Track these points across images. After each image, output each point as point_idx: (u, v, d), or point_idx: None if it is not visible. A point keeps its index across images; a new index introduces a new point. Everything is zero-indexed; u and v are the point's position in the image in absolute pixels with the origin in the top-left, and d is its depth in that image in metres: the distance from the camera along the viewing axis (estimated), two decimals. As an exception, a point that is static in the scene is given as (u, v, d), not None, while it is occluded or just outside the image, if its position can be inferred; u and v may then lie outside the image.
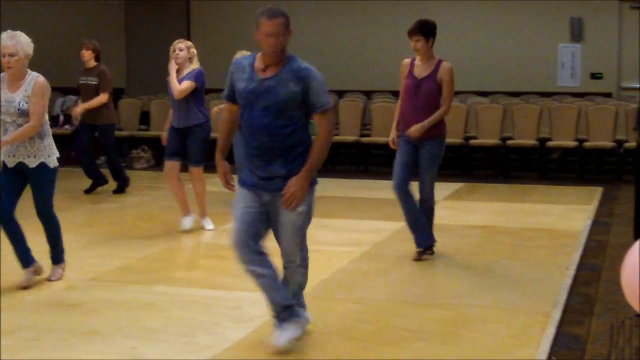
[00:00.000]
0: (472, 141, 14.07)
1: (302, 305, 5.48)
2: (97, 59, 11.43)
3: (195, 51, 9.07)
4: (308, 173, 5.06)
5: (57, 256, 6.94)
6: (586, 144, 13.66)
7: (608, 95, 15.75)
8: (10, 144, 6.45)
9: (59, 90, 14.87)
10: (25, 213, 6.83)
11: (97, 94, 11.25)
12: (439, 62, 7.61)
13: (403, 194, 7.60)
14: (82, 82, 11.38)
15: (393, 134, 7.78)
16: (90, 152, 11.63)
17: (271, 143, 5.03)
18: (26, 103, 6.40)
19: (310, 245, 7.94)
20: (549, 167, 14.21)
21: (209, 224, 9.09)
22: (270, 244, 5.30)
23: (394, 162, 7.65)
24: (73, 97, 14.65)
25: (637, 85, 15.39)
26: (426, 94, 7.54)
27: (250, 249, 5.15)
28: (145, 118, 15.58)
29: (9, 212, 6.53)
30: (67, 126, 14.98)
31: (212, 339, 5.44)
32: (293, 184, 5.04)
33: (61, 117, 15.66)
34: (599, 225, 9.55)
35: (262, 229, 5.24)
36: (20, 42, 6.44)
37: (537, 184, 12.93)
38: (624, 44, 16.01)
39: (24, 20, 19.28)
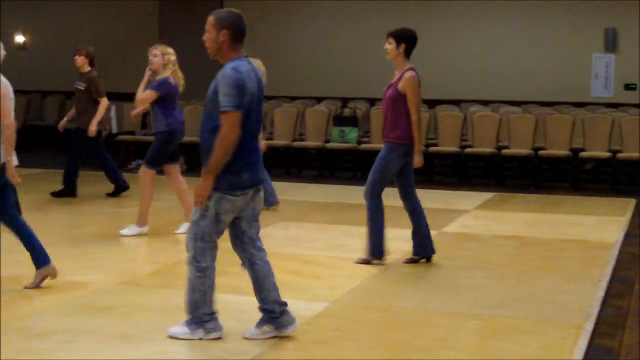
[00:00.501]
0: (504, 151, 14.01)
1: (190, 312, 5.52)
2: (91, 64, 11.53)
3: (171, 58, 8.91)
4: (206, 173, 5.26)
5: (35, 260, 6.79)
6: (619, 155, 13.57)
7: (642, 106, 15.65)
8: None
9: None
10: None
11: (86, 98, 11.39)
12: (405, 71, 7.68)
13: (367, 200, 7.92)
14: (75, 86, 11.60)
15: None
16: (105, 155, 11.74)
17: (201, 142, 5.36)
18: None
19: (341, 253, 8.01)
20: (582, 177, 14.12)
21: (127, 230, 8.95)
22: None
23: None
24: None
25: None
26: (387, 101, 7.74)
27: None
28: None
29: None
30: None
31: (243, 345, 5.44)
32: (198, 184, 5.29)
33: None
34: (632, 237, 9.48)
35: None
36: None
37: (570, 195, 12.84)
38: (658, 55, 15.90)
39: (58, 25, 19.52)
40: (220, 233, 5.47)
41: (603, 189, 13.40)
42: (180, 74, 8.97)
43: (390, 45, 7.67)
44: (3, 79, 6.60)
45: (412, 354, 5.39)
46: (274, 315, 5.55)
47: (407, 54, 7.72)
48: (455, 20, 17.05)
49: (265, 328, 5.56)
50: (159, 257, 8.09)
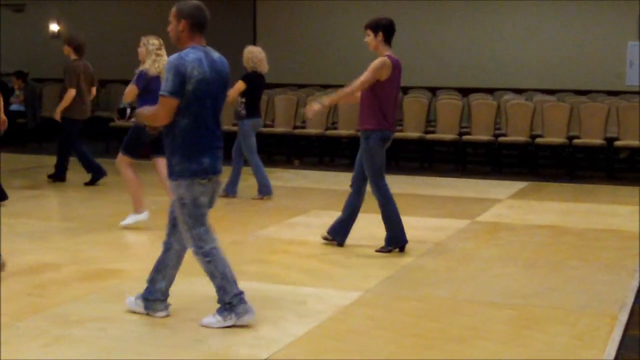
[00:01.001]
0: (538, 139, 13.94)
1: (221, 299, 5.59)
2: (77, 52, 11.55)
3: (149, 47, 8.73)
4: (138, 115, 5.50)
5: None
6: (655, 144, 13.46)
7: (678, 94, 15.50)
8: None
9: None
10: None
11: (64, 88, 11.47)
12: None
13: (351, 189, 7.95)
14: None
15: None
16: (79, 145, 11.81)
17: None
18: None
19: (373, 242, 8.02)
20: (616, 167, 14.02)
21: (126, 220, 8.91)
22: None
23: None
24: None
25: None
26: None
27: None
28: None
29: None
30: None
31: (277, 333, 5.48)
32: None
33: (128, 111, 15.83)
34: (667, 227, 9.41)
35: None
36: None
37: (604, 184, 12.78)
38: (695, 43, 15.75)
39: (90, 14, 19.64)
40: (204, 215, 5.57)
41: (638, 179, 13.30)
42: (162, 64, 8.63)
43: (369, 37, 7.77)
44: None
45: (445, 343, 5.41)
46: (149, 297, 5.73)
47: (387, 41, 7.78)
48: (489, 7, 16.97)
49: (139, 302, 5.77)
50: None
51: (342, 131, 14.89)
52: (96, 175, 11.69)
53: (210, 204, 5.61)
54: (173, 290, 5.82)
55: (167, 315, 5.73)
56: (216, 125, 5.55)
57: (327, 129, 15.06)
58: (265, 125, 15.28)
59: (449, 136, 14.37)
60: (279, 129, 15.16)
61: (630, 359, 5.21)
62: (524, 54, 16.87)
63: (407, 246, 7.96)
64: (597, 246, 8.42)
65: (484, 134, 14.26)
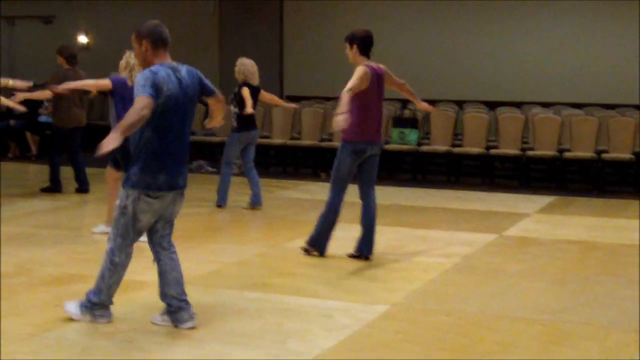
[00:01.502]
0: (566, 154, 13.86)
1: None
2: (69, 62, 11.61)
3: (133, 61, 8.53)
4: (116, 131, 5.18)
5: None
6: (685, 159, 13.35)
7: None
8: None
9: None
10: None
11: (57, 97, 11.30)
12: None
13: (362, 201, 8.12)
14: None
15: None
16: (59, 155, 11.79)
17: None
18: None
19: (402, 256, 8.00)
20: (646, 182, 13.91)
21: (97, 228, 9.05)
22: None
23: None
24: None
25: None
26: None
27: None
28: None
29: None
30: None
31: (303, 346, 5.47)
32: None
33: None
34: (697, 243, 9.31)
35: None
36: None
37: (633, 199, 12.66)
38: None
39: (119, 25, 19.75)
40: (139, 233, 5.71)
41: (667, 194, 13.19)
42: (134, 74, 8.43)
43: (347, 49, 7.87)
44: None
45: (473, 357, 5.37)
46: (171, 309, 5.76)
47: (363, 52, 7.84)
48: (518, 21, 16.93)
49: (165, 317, 5.79)
50: (216, 257, 8.13)
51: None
52: (51, 187, 11.78)
53: (171, 215, 5.79)
54: (197, 300, 5.80)
55: (194, 327, 5.73)
56: (181, 142, 5.64)
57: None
58: (292, 138, 15.32)
59: (476, 150, 14.32)
60: (305, 141, 15.16)
61: (661, 376, 5.15)
62: (551, 68, 16.80)
63: (434, 260, 7.92)
64: (626, 262, 8.35)
65: (511, 147, 14.20)
